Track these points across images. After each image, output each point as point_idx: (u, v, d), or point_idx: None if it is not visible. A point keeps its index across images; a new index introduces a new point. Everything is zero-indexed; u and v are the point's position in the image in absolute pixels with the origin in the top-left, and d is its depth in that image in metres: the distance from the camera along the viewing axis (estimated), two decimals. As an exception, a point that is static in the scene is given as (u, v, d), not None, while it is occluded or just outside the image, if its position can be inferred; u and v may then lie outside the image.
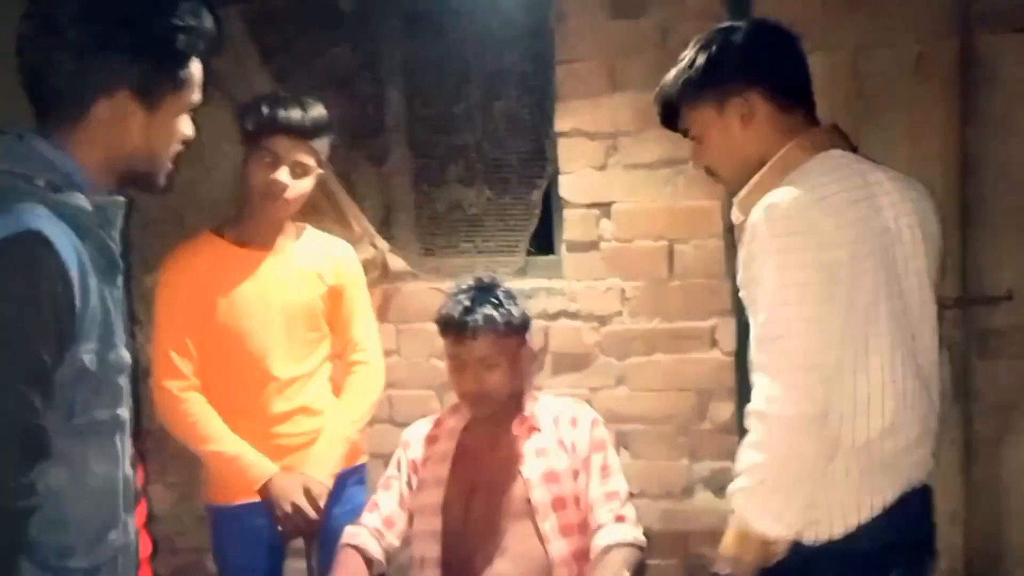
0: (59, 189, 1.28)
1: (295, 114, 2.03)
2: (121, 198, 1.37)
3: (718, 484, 2.44)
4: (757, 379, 1.45)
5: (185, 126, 1.42)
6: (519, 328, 1.96)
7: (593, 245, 2.50)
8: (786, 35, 1.61)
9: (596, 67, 2.44)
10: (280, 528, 2.05)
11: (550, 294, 2.54)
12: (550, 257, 2.63)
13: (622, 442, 2.50)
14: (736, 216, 1.61)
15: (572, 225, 2.51)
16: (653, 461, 2.48)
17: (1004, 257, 2.26)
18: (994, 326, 2.28)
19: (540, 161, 2.63)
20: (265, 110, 2.03)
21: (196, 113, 1.44)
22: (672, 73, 1.64)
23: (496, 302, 1.93)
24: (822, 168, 1.50)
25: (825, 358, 1.41)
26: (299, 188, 2.07)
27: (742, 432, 2.31)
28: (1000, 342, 2.28)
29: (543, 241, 2.66)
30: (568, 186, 2.50)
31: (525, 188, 2.66)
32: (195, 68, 1.39)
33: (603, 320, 2.51)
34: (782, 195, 1.43)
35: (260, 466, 2.04)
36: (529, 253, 2.66)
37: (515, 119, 2.67)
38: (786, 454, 1.42)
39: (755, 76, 1.55)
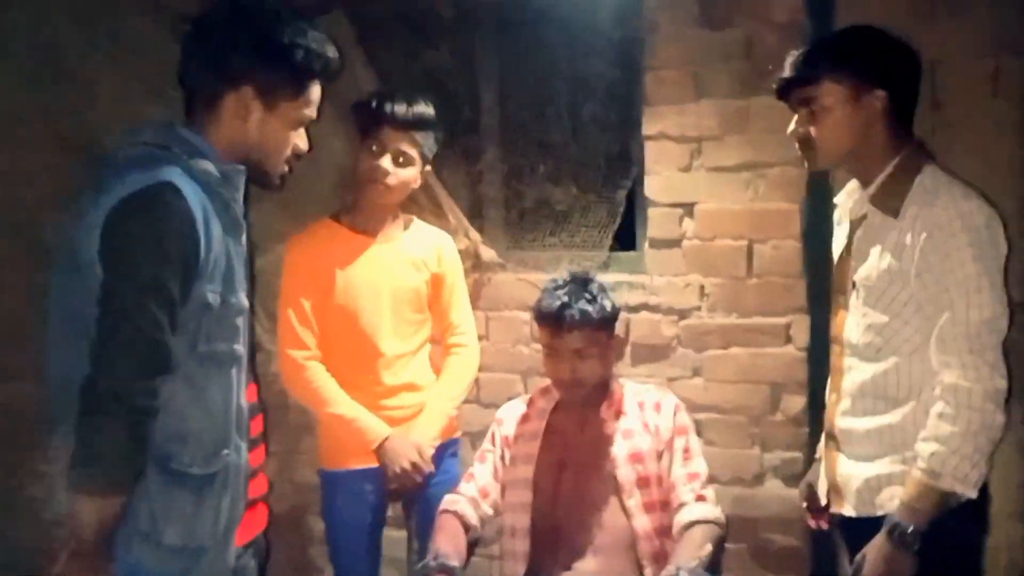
0: (191, 157, 1.55)
1: (400, 107, 2.23)
2: (241, 166, 1.62)
3: (788, 473, 2.55)
4: (948, 359, 1.66)
5: (300, 139, 1.69)
6: (610, 321, 2.09)
7: (675, 243, 2.62)
8: (916, 53, 1.82)
9: (683, 75, 2.56)
10: (391, 486, 2.25)
11: (632, 288, 2.67)
12: (632, 253, 2.77)
13: (697, 431, 2.61)
14: (855, 210, 1.80)
15: (656, 223, 2.64)
16: (726, 449, 2.59)
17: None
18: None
19: (625, 162, 2.75)
20: (374, 104, 2.24)
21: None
22: (809, 49, 1.80)
23: (590, 297, 2.06)
24: (948, 179, 1.74)
25: (1003, 339, 1.69)
26: (402, 176, 2.26)
27: (812, 424, 2.47)
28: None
29: (625, 238, 2.80)
30: (653, 186, 2.63)
31: (610, 187, 2.78)
32: (313, 88, 1.66)
33: (682, 314, 2.63)
34: (972, 206, 1.67)
35: (377, 428, 2.25)
36: (612, 249, 2.79)
37: (603, 122, 2.80)
38: (982, 425, 1.65)
39: (895, 81, 1.77)
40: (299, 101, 1.64)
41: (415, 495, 2.30)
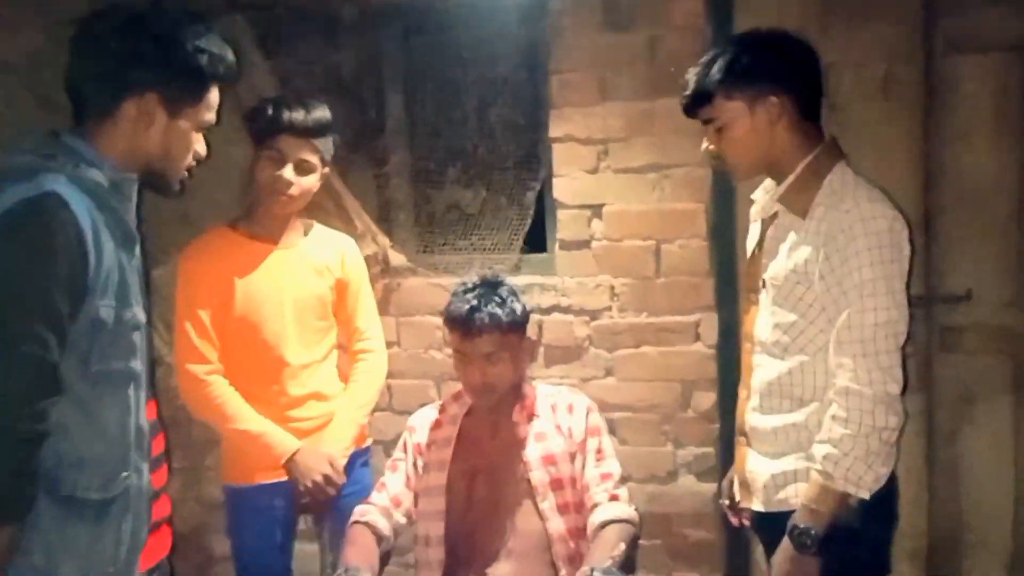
0: (77, 166, 1.47)
1: (299, 115, 2.16)
2: (133, 175, 1.56)
3: (700, 469, 2.59)
4: (843, 360, 1.67)
5: (199, 144, 1.64)
6: (521, 324, 2.08)
7: (585, 244, 2.64)
8: (814, 51, 1.82)
9: (588, 77, 2.58)
10: (302, 501, 2.19)
11: (543, 290, 2.68)
12: (543, 255, 2.77)
13: (610, 429, 2.63)
14: (767, 209, 1.83)
15: (565, 225, 2.65)
16: (639, 447, 2.62)
17: (963, 260, 2.41)
18: (955, 323, 2.45)
19: (534, 164, 2.76)
20: (271, 112, 2.17)
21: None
22: (704, 67, 1.79)
23: (500, 300, 2.04)
24: (855, 180, 1.75)
25: (902, 341, 1.68)
26: (304, 184, 2.21)
27: (723, 420, 2.51)
28: (960, 338, 2.44)
29: (536, 240, 2.80)
30: (561, 188, 2.64)
31: (519, 190, 2.78)
32: (214, 92, 1.61)
33: (593, 315, 2.65)
34: (876, 210, 1.68)
35: (286, 442, 2.18)
36: (523, 251, 2.79)
37: (510, 124, 2.79)
38: (872, 428, 1.65)
39: (789, 83, 1.76)
40: (200, 106, 1.59)
41: (327, 507, 2.24)
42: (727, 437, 2.51)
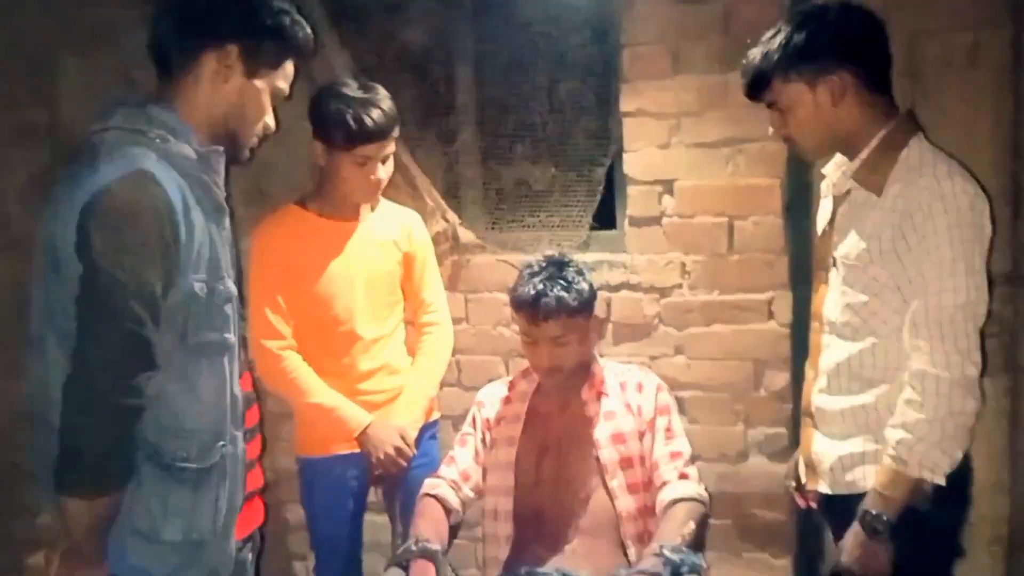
0: (167, 140, 1.50)
1: (380, 119, 2.14)
2: (220, 148, 1.58)
3: (771, 449, 2.55)
4: (920, 343, 1.62)
5: (270, 116, 1.64)
6: (588, 305, 2.05)
7: (655, 220, 2.60)
8: (877, 20, 1.74)
9: (660, 50, 2.53)
10: (375, 472, 2.23)
11: (612, 267, 2.65)
12: (612, 232, 2.75)
13: (681, 409, 2.60)
14: (840, 186, 1.78)
15: (635, 201, 2.62)
16: (710, 426, 2.59)
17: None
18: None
19: (603, 140, 2.73)
20: (353, 124, 2.12)
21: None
22: (761, 48, 1.75)
23: (566, 283, 2.01)
24: (934, 154, 1.68)
25: (981, 323, 1.63)
26: (388, 173, 2.25)
27: (795, 400, 2.46)
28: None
29: (605, 217, 2.78)
30: (632, 164, 2.60)
31: (588, 166, 2.76)
32: (290, 63, 1.63)
33: (663, 292, 2.61)
34: (956, 187, 1.61)
35: (359, 416, 2.22)
36: (592, 228, 2.77)
37: (580, 99, 2.76)
38: (949, 412, 1.61)
39: (849, 57, 1.70)
40: (278, 72, 1.61)
41: (397, 479, 2.28)
42: (799, 417, 2.46)
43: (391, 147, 2.21)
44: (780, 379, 2.53)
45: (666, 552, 1.80)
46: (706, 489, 2.06)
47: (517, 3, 2.75)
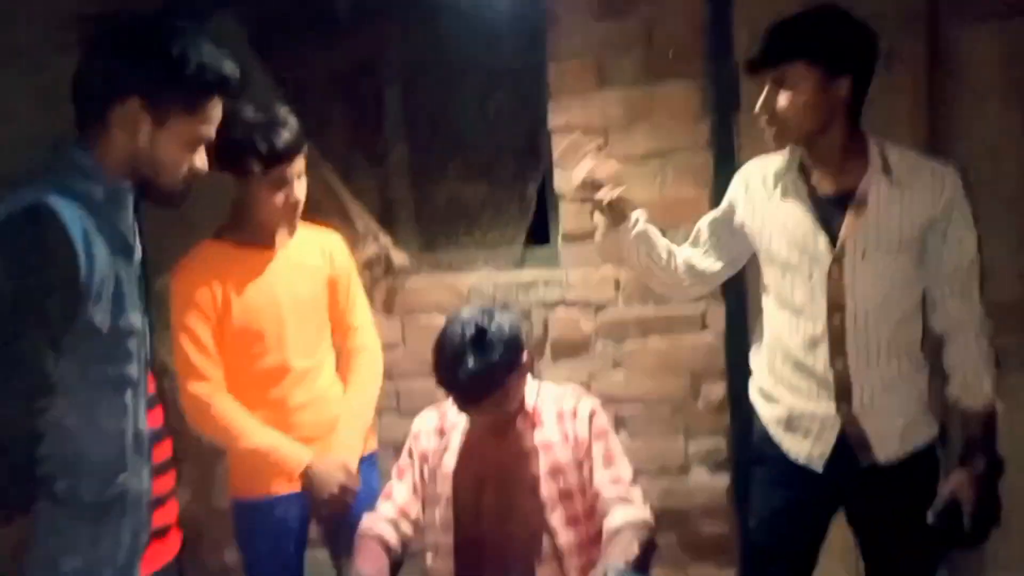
0: (72, 177, 1.50)
1: (288, 138, 2.09)
2: (127, 185, 1.56)
3: (712, 461, 2.56)
4: (964, 300, 1.87)
5: (198, 158, 1.60)
6: (514, 367, 1.96)
7: (587, 235, 2.58)
8: (877, 44, 1.88)
9: (586, 64, 2.53)
10: (322, 512, 2.17)
11: (547, 284, 2.64)
12: (546, 248, 2.73)
13: (620, 424, 2.61)
14: (865, 185, 1.86)
15: (568, 217, 2.61)
16: (650, 441, 2.59)
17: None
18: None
19: (534, 156, 2.72)
20: (264, 147, 2.06)
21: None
22: (792, 23, 1.83)
23: (488, 362, 1.90)
24: (907, 151, 1.92)
25: None
26: (304, 191, 2.19)
27: (734, 410, 2.46)
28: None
29: (540, 233, 2.76)
30: (563, 179, 2.60)
31: (520, 182, 2.75)
32: (210, 104, 1.57)
33: (599, 307, 2.61)
34: (958, 173, 1.88)
35: (299, 454, 2.15)
36: (526, 245, 2.75)
37: (509, 116, 2.75)
38: (991, 348, 1.89)
39: (860, 69, 1.85)
40: (195, 118, 1.56)
41: (347, 510, 2.20)
42: (738, 428, 2.47)
43: (302, 163, 2.16)
44: (717, 390, 2.54)
45: (611, 573, 1.78)
46: (651, 507, 2.04)
47: (443, 19, 2.72)
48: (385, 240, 2.76)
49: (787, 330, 1.97)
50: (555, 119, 2.58)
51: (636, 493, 2.00)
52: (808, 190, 1.92)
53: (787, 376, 1.98)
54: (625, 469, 2.03)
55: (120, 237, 1.54)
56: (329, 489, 2.14)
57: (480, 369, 1.89)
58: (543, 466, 2.00)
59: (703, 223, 2.13)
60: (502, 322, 1.96)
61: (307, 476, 2.14)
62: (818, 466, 1.95)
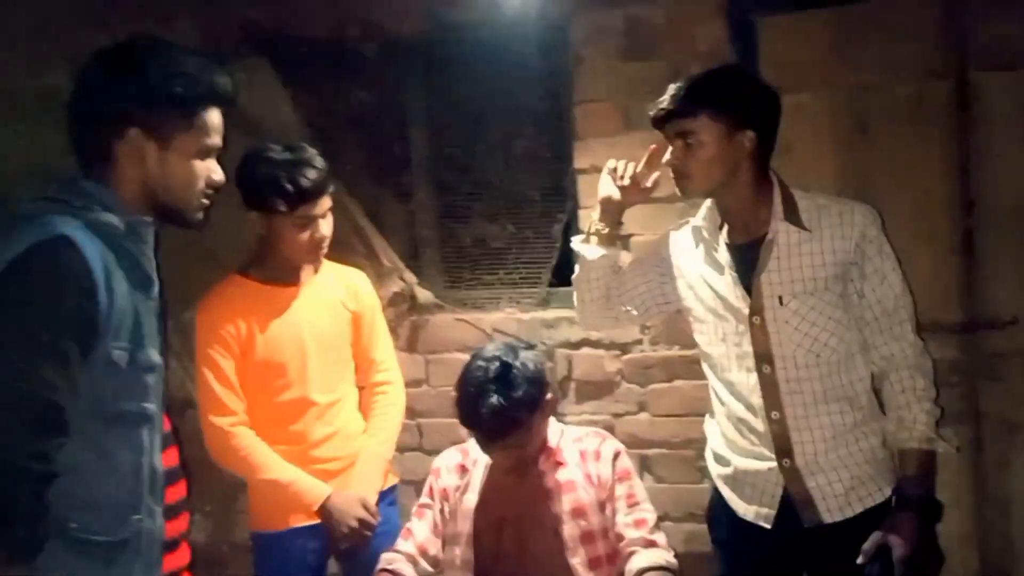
0: (92, 209, 1.46)
1: (315, 177, 2.11)
2: (148, 218, 1.53)
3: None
4: (897, 339, 1.83)
5: (212, 171, 1.57)
6: (537, 406, 1.95)
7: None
8: (780, 102, 1.92)
9: (611, 107, 2.55)
10: (340, 547, 2.16)
11: (572, 324, 2.63)
12: (571, 288, 2.72)
13: (645, 466, 2.58)
14: (774, 230, 1.87)
15: (592, 257, 2.61)
16: (675, 485, 2.55)
17: (1007, 284, 2.32)
18: (1000, 349, 2.35)
19: (560, 197, 2.73)
20: (290, 187, 2.08)
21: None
22: (692, 81, 1.87)
23: (511, 400, 1.90)
24: (816, 195, 1.91)
25: None
26: (330, 229, 2.21)
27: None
28: (1006, 365, 2.35)
29: (564, 273, 2.76)
30: (588, 220, 2.59)
31: (546, 222, 2.76)
32: (208, 115, 1.54)
33: (624, 348, 2.60)
34: (872, 209, 1.88)
35: (317, 488, 2.16)
36: (551, 285, 2.75)
37: (535, 157, 2.77)
38: (933, 388, 1.85)
39: (765, 123, 1.88)
40: (195, 132, 1.52)
41: (358, 549, 2.20)
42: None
43: (328, 203, 2.18)
44: (743, 433, 2.49)
45: (632, 617, 1.75)
46: (674, 552, 2.01)
47: (470, 61, 2.76)
48: (410, 278, 2.77)
49: (725, 389, 1.94)
50: (580, 160, 2.60)
51: (660, 536, 1.98)
52: (722, 241, 1.92)
53: (732, 435, 1.95)
54: (649, 512, 2.01)
55: (140, 271, 1.51)
56: (347, 523, 2.14)
57: (503, 407, 1.88)
58: (565, 506, 1.98)
59: (623, 259, 2.16)
60: (526, 360, 1.96)
61: (325, 510, 2.14)
62: (767, 524, 1.89)
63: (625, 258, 2.17)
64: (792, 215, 1.85)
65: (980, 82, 2.28)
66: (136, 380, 1.51)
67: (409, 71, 2.85)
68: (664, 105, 1.86)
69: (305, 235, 2.15)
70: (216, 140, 1.57)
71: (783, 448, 1.85)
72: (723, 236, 1.93)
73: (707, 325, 1.95)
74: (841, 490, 1.83)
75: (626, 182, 2.07)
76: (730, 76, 1.93)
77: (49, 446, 1.38)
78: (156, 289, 1.56)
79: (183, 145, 1.52)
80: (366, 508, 2.17)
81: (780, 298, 1.84)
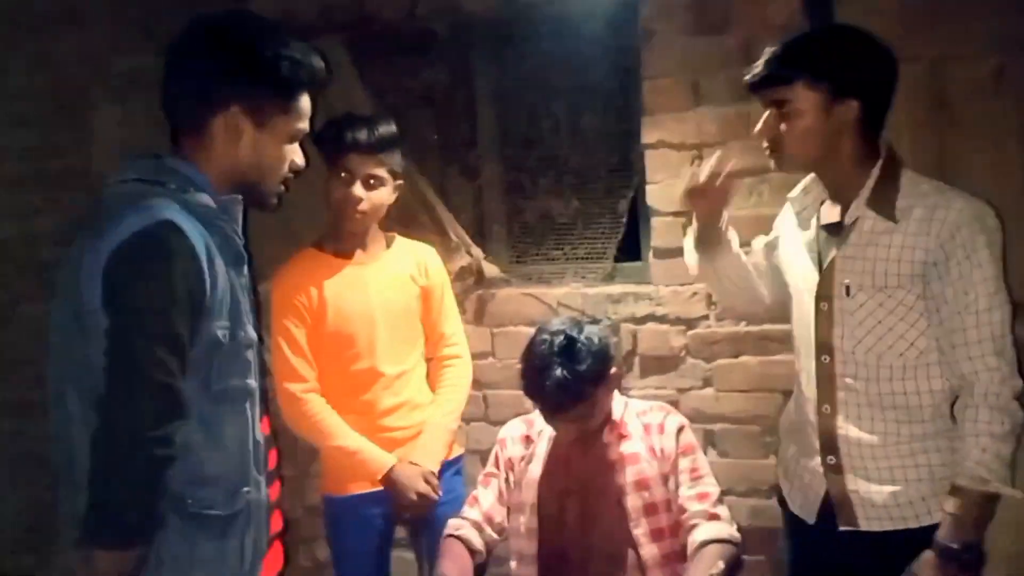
0: (186, 190, 1.49)
1: (362, 133, 2.20)
2: (239, 196, 1.57)
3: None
4: (976, 362, 1.63)
5: (296, 155, 1.62)
6: (601, 379, 1.96)
7: (679, 251, 2.55)
8: (896, 64, 1.75)
9: (681, 82, 2.52)
10: (400, 514, 2.23)
11: (637, 298, 2.64)
12: (637, 263, 2.73)
13: (709, 441, 2.58)
14: (852, 215, 1.73)
15: (659, 232, 2.60)
16: (740, 460, 2.55)
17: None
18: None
19: (626, 172, 2.73)
20: (336, 132, 2.20)
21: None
22: (790, 44, 1.72)
23: (575, 373, 1.91)
24: (939, 183, 1.74)
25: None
26: (375, 199, 2.24)
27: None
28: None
29: (630, 248, 2.77)
30: (655, 195, 2.59)
31: (612, 198, 2.76)
32: (303, 100, 1.59)
33: (690, 323, 2.59)
34: (983, 206, 1.69)
35: (382, 458, 2.23)
36: (616, 260, 2.76)
37: (602, 132, 2.77)
38: (1014, 425, 1.64)
39: (872, 91, 1.71)
40: (290, 115, 1.57)
41: (424, 518, 2.27)
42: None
43: (375, 169, 2.22)
44: (810, 411, 2.48)
45: (694, 590, 1.77)
46: (738, 527, 2.02)
47: (536, 39, 2.77)
48: (477, 252, 2.81)
49: (801, 375, 1.86)
50: (648, 135, 2.58)
51: (723, 510, 1.99)
52: (814, 219, 1.81)
53: (794, 420, 1.88)
54: (712, 486, 2.02)
55: (234, 248, 1.54)
56: (409, 494, 2.20)
57: (567, 379, 1.91)
58: (629, 478, 2.00)
59: (757, 244, 2.05)
60: (591, 334, 1.98)
61: (389, 479, 2.21)
62: (809, 519, 1.82)
63: (759, 241, 2.07)
64: (881, 201, 1.69)
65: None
66: (238, 356, 1.55)
67: (478, 48, 2.86)
68: (757, 70, 1.72)
69: (341, 188, 2.20)
70: (306, 125, 1.61)
71: (828, 444, 1.78)
72: (824, 211, 1.80)
73: (795, 306, 1.87)
74: (882, 501, 1.72)
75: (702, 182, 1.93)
76: (833, 38, 1.75)
77: (169, 429, 1.42)
78: (247, 265, 1.60)
79: (278, 127, 1.57)
80: (427, 482, 2.23)
81: (847, 287, 1.73)
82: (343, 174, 2.21)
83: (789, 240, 1.91)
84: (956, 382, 1.68)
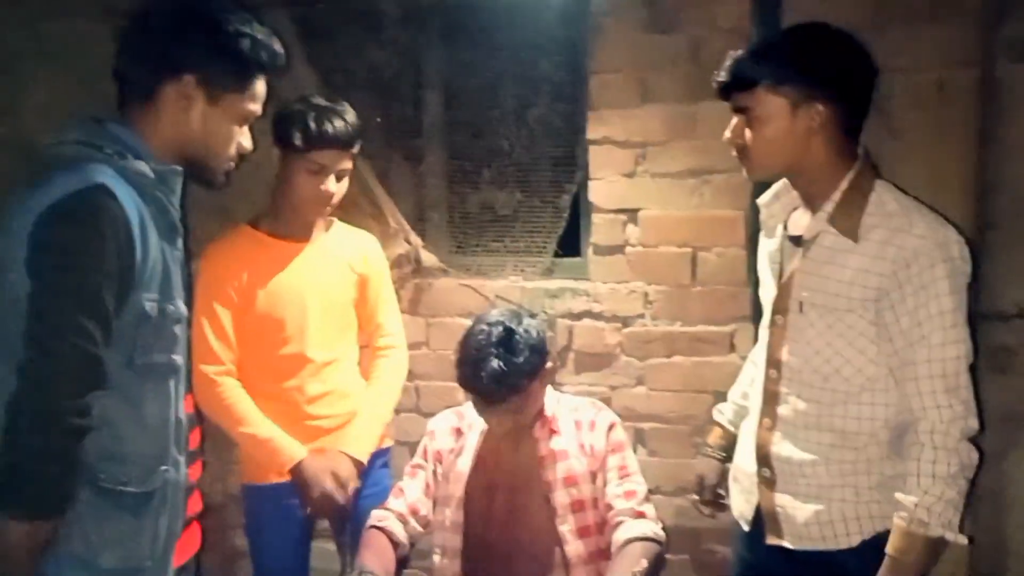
0: (124, 156, 1.46)
1: (340, 127, 2.12)
2: (178, 167, 1.54)
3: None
4: (925, 398, 1.56)
5: (244, 138, 1.60)
6: (537, 372, 1.94)
7: (619, 249, 2.58)
8: (875, 65, 1.67)
9: (628, 79, 2.52)
10: (308, 511, 2.17)
11: (575, 294, 2.63)
12: (576, 259, 2.72)
13: (639, 439, 2.58)
14: (812, 230, 1.66)
15: (599, 229, 2.60)
16: (668, 459, 2.56)
17: (1017, 277, 2.30)
18: (1007, 343, 2.33)
19: (570, 167, 2.71)
20: (313, 125, 2.09)
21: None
22: (756, 48, 1.67)
23: (512, 365, 1.88)
24: (909, 200, 1.64)
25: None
26: (341, 190, 2.19)
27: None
28: (1011, 358, 2.34)
29: (570, 244, 2.75)
30: (597, 192, 2.59)
31: (554, 192, 2.74)
32: (259, 82, 1.58)
33: (626, 321, 2.59)
34: (948, 234, 1.59)
35: (291, 449, 2.15)
36: (556, 255, 2.75)
37: (547, 126, 2.75)
38: (960, 467, 1.56)
39: (841, 93, 1.61)
40: (244, 95, 1.56)
41: (343, 510, 2.20)
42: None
43: (347, 163, 2.17)
44: (740, 413, 2.50)
45: (616, 588, 1.76)
46: (663, 525, 2.02)
47: (487, 27, 2.73)
48: (416, 240, 2.76)
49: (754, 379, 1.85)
50: (593, 131, 2.58)
51: (649, 508, 1.98)
52: (779, 229, 1.76)
53: (745, 426, 1.86)
54: (639, 484, 2.01)
55: (168, 219, 1.51)
56: (318, 489, 2.13)
57: (504, 370, 1.88)
58: (557, 474, 1.99)
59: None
60: (530, 327, 1.96)
61: (297, 472, 2.14)
62: (745, 526, 1.81)
63: None
64: (844, 217, 1.60)
65: (1007, 73, 2.24)
66: (165, 331, 1.51)
67: (427, 33, 2.82)
68: (719, 77, 1.65)
69: (313, 184, 2.13)
70: (258, 109, 1.60)
71: (764, 458, 1.75)
72: (792, 221, 1.74)
73: (763, 314, 1.82)
74: (804, 519, 1.68)
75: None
76: (800, 39, 1.65)
77: (88, 400, 1.38)
78: (181, 238, 1.57)
79: (230, 105, 1.55)
80: (338, 479, 2.14)
81: (801, 304, 1.67)
82: (314, 168, 2.12)
83: (760, 245, 1.88)
84: (907, 416, 1.61)
